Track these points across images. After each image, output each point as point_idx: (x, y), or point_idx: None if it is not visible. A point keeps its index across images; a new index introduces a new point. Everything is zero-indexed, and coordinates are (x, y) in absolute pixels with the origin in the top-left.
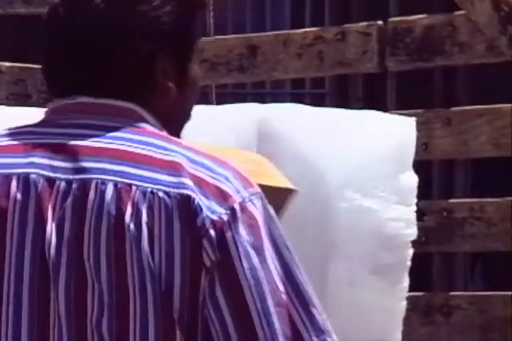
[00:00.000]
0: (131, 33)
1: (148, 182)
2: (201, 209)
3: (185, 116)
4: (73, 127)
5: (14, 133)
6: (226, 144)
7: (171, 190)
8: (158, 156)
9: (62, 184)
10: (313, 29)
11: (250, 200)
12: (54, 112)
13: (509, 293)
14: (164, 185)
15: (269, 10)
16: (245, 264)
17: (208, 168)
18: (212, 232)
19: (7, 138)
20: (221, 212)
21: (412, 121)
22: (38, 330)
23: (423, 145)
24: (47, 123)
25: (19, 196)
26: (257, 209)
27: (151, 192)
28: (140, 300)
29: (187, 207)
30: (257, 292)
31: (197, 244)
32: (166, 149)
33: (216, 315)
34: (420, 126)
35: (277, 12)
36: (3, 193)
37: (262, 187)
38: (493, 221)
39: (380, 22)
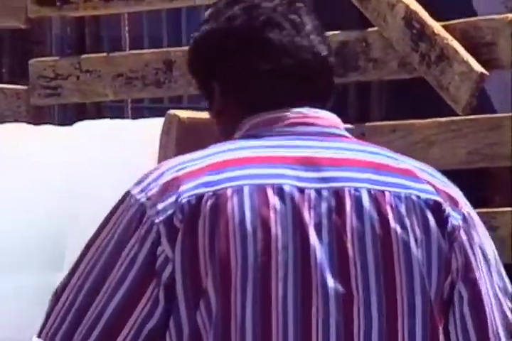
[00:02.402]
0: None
1: (399, 188)
2: (449, 215)
3: None
4: (307, 139)
5: (248, 146)
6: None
7: (421, 194)
8: (392, 164)
9: (313, 193)
10: None
11: (466, 204)
12: (269, 124)
13: None
14: (414, 190)
15: (185, 25)
16: (480, 265)
17: (432, 175)
18: (459, 238)
19: (246, 151)
20: (458, 218)
21: None
22: (303, 328)
23: None
24: (271, 136)
25: (278, 205)
26: (473, 212)
27: (405, 196)
28: (408, 301)
29: (438, 212)
30: (490, 289)
31: (448, 247)
32: (393, 158)
33: (459, 310)
34: None
35: (193, 27)
36: (263, 202)
37: None
38: None
39: None
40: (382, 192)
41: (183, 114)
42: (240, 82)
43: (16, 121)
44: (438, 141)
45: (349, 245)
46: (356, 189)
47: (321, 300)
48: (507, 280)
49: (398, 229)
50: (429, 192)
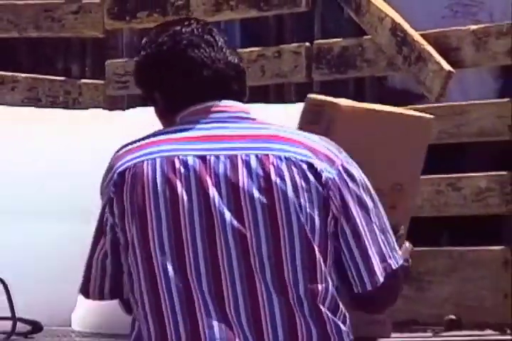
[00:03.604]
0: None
1: (280, 152)
2: (322, 171)
3: None
4: (217, 122)
5: (167, 131)
6: None
7: (298, 156)
8: (281, 135)
9: (212, 158)
10: (257, 48)
11: (346, 161)
12: (192, 114)
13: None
14: (293, 153)
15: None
16: (357, 207)
17: (314, 141)
18: (333, 187)
19: (164, 136)
20: (333, 173)
21: None
22: (212, 262)
23: None
24: (189, 123)
25: (182, 170)
26: (352, 166)
27: (285, 157)
28: (288, 233)
29: (312, 169)
30: (366, 226)
31: (326, 193)
32: (283, 131)
33: (344, 243)
34: None
35: (229, 35)
36: (171, 169)
37: (412, 117)
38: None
39: (307, 43)
40: (267, 155)
41: (342, 102)
42: (173, 90)
43: (95, 107)
44: None
45: (242, 196)
46: (247, 155)
47: (223, 238)
48: (385, 220)
49: (278, 181)
50: (305, 155)
